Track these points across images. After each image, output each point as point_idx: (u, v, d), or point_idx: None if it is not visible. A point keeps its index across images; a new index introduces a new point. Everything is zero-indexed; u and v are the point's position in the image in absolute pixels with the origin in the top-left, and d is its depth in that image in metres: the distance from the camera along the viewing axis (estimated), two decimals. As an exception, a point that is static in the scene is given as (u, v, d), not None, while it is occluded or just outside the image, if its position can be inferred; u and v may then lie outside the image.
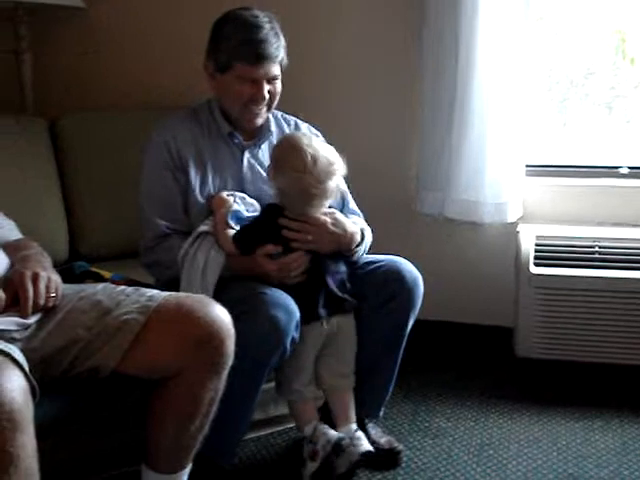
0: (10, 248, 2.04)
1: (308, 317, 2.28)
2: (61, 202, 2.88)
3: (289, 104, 2.52)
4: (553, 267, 2.93)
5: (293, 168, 2.26)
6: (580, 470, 2.48)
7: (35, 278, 1.89)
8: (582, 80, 3.44)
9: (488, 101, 2.94)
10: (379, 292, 2.37)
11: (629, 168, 3.14)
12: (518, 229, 3.04)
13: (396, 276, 2.37)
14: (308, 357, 2.38)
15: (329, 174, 2.27)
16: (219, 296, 2.04)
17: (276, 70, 2.34)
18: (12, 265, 1.97)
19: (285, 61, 2.37)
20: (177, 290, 2.15)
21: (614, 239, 2.96)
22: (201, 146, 2.41)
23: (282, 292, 2.24)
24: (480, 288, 3.19)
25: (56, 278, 1.96)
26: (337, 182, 2.31)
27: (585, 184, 3.13)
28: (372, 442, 2.48)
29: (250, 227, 2.31)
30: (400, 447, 2.54)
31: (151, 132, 2.42)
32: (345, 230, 2.35)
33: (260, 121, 2.42)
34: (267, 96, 2.35)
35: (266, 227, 2.30)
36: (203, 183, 2.39)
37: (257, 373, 2.19)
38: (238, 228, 2.32)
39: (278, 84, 2.37)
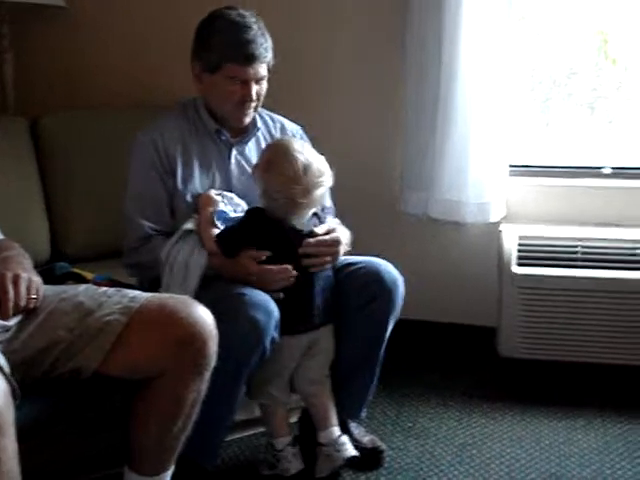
0: (-10, 249, 2.02)
1: (289, 329, 2.27)
2: (42, 202, 2.86)
3: (276, 104, 2.53)
4: (536, 267, 2.94)
5: (283, 174, 2.24)
6: (563, 469, 2.49)
7: (16, 280, 1.88)
8: (565, 80, 3.45)
9: (471, 101, 2.94)
10: (359, 294, 2.37)
11: (612, 168, 3.16)
12: (501, 229, 3.04)
13: (375, 277, 2.37)
14: (286, 365, 2.38)
15: (317, 185, 2.26)
16: (199, 296, 2.03)
17: (264, 71, 2.36)
18: (-7, 266, 1.96)
19: (272, 62, 2.38)
20: (159, 290, 2.14)
21: (597, 239, 2.97)
22: (188, 143, 2.41)
23: (261, 292, 2.24)
24: (463, 288, 3.20)
25: (37, 279, 1.95)
26: (323, 192, 2.30)
27: (568, 184, 3.14)
28: (355, 441, 2.49)
29: (235, 229, 2.30)
30: (383, 447, 2.55)
31: (137, 132, 2.42)
32: (346, 243, 2.39)
33: (248, 120, 2.44)
34: (255, 97, 2.36)
35: (251, 231, 2.28)
36: (190, 181, 2.39)
37: (237, 373, 2.19)
38: (222, 228, 2.31)
39: (265, 84, 2.39)
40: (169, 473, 2.04)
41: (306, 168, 2.24)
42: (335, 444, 2.37)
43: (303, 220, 2.31)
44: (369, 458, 2.50)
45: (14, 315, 1.87)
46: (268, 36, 2.36)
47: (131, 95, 3.20)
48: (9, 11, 3.20)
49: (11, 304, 1.84)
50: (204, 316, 1.91)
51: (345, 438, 2.40)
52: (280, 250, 2.27)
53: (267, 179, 2.28)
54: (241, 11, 2.36)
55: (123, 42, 3.28)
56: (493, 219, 3.02)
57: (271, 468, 2.41)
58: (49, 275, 2.23)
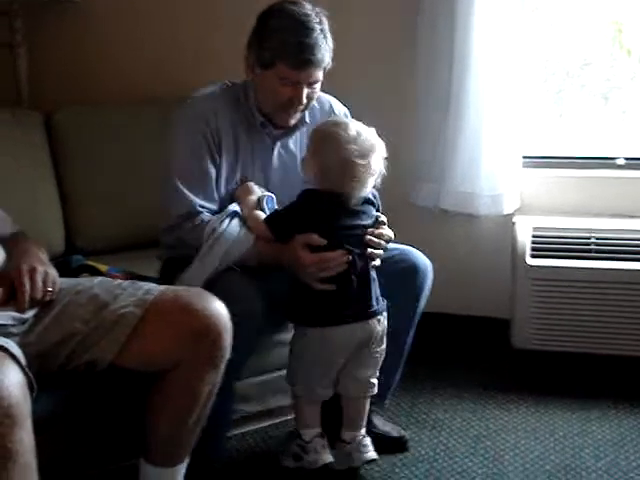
0: (6, 242, 2.04)
1: (338, 318, 2.20)
2: (57, 196, 2.88)
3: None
4: (550, 258, 2.93)
5: (336, 138, 2.15)
6: (577, 461, 2.49)
7: (32, 272, 1.89)
8: (578, 71, 3.43)
9: (484, 92, 2.93)
10: (391, 280, 2.31)
11: (625, 159, 3.14)
12: (514, 221, 3.04)
13: (409, 264, 2.38)
14: (335, 360, 2.26)
15: (372, 147, 2.17)
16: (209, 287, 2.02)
17: (319, 75, 2.26)
18: (9, 259, 1.97)
19: (329, 65, 2.27)
20: (176, 270, 2.14)
21: (610, 230, 2.96)
22: (238, 133, 2.33)
23: (251, 284, 2.18)
24: (477, 280, 3.19)
25: (53, 272, 1.96)
26: (380, 163, 2.20)
27: (582, 175, 3.13)
28: (379, 431, 2.52)
29: (289, 211, 2.20)
30: (407, 434, 2.58)
31: (186, 102, 2.34)
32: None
33: (293, 122, 2.35)
34: (305, 101, 2.27)
35: (306, 213, 2.18)
36: (232, 169, 2.34)
37: (230, 367, 2.13)
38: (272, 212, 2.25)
39: (318, 87, 2.30)
40: (184, 465, 2.05)
41: (359, 132, 2.17)
42: (359, 445, 2.33)
43: (362, 194, 2.20)
44: (395, 446, 2.54)
45: (30, 308, 1.88)
46: (330, 38, 2.24)
47: (144, 89, 3.20)
48: (22, 6, 3.21)
49: (27, 297, 1.86)
50: (219, 308, 1.92)
51: (368, 440, 2.36)
52: (335, 234, 2.18)
53: (320, 149, 2.17)
54: (305, 8, 2.23)
55: (136, 36, 3.28)
56: (507, 211, 3.01)
57: (296, 460, 2.32)
58: (64, 268, 2.24)
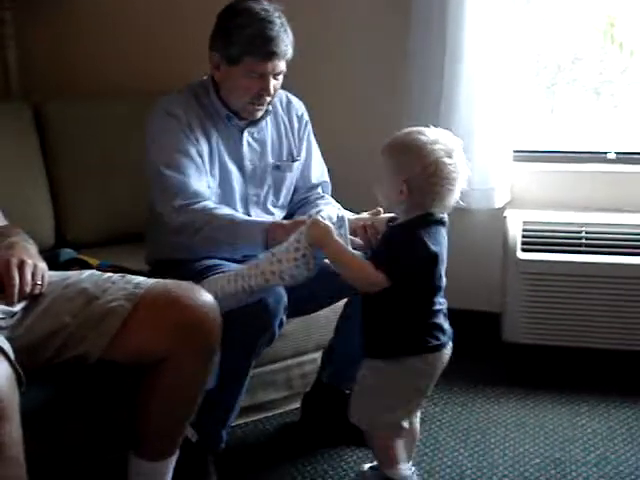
0: (-4, 235, 2.03)
1: (428, 346, 2.05)
2: (47, 188, 2.87)
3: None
4: (540, 252, 2.94)
5: (418, 144, 1.95)
6: (567, 454, 2.50)
7: (21, 265, 1.88)
8: (570, 65, 3.43)
9: (475, 86, 2.94)
10: None
11: (616, 153, 3.14)
12: (505, 214, 3.04)
13: None
14: (425, 391, 2.13)
15: (455, 146, 1.99)
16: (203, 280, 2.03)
17: (283, 66, 2.35)
18: (-2, 252, 1.96)
19: (291, 57, 2.36)
20: (167, 273, 2.13)
21: (601, 224, 2.97)
22: (206, 125, 2.40)
23: None
24: (467, 273, 3.19)
25: (42, 265, 1.95)
26: (465, 165, 2.03)
27: (572, 169, 3.13)
28: None
29: (400, 254, 1.97)
30: None
31: (155, 109, 2.38)
32: None
33: (260, 114, 2.43)
34: (272, 92, 2.36)
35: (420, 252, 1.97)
36: (210, 162, 2.38)
37: (245, 357, 2.20)
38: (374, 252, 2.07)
39: (281, 78, 2.38)
40: (174, 458, 2.05)
41: (437, 133, 1.99)
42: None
43: (453, 202, 2.03)
44: None
45: (19, 301, 1.87)
46: (290, 31, 2.33)
47: (133, 82, 3.19)
48: (12, -2, 3.20)
49: (16, 290, 1.85)
50: (209, 302, 1.92)
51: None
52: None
53: (403, 161, 1.96)
54: (265, 4, 2.34)
55: (125, 29, 3.27)
56: (497, 205, 3.02)
57: None
58: (54, 261, 2.23)
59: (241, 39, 2.29)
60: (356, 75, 3.17)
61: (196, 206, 2.29)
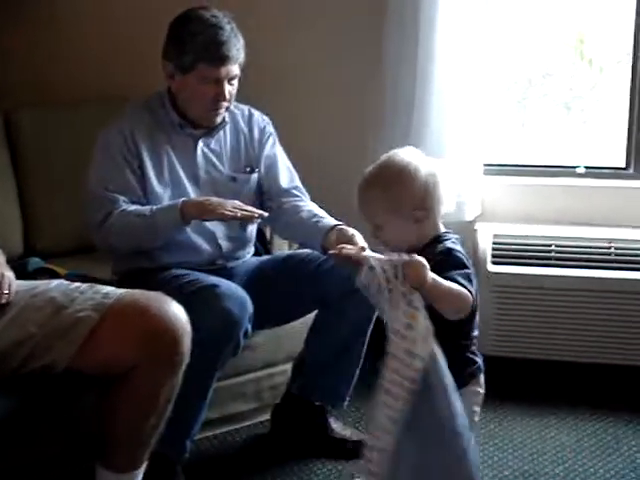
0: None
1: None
2: (16, 197, 2.84)
3: (249, 97, 2.55)
4: (510, 265, 2.95)
5: (422, 170, 1.89)
6: (535, 467, 2.51)
7: (-12, 275, 1.87)
8: (541, 80, 3.47)
9: (447, 100, 2.95)
10: (346, 281, 2.33)
11: (586, 168, 3.18)
12: (476, 227, 3.06)
13: None
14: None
15: (436, 166, 1.95)
16: (170, 291, 2.02)
17: (236, 70, 2.38)
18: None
19: (243, 61, 2.39)
20: (135, 284, 2.12)
21: (571, 238, 3.00)
22: (155, 136, 2.43)
23: (235, 285, 2.26)
24: (438, 286, 3.20)
25: (9, 274, 1.93)
26: None
27: (543, 183, 3.16)
28: (337, 435, 2.55)
29: (467, 269, 1.86)
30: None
31: (103, 128, 2.44)
32: None
33: (219, 119, 2.46)
34: (228, 96, 2.39)
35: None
36: (159, 173, 2.41)
37: (210, 367, 2.20)
38: None
39: (236, 83, 2.41)
40: (141, 470, 2.03)
41: (417, 155, 1.93)
42: None
43: None
44: (354, 450, 2.49)
45: (-14, 310, 1.85)
46: (240, 36, 2.38)
47: (105, 90, 3.17)
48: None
49: (-17, 299, 1.83)
50: (178, 312, 1.91)
51: None
52: None
53: (395, 191, 1.87)
54: (214, 11, 2.38)
55: (98, 37, 3.24)
56: (468, 217, 3.02)
57: None
58: (22, 270, 2.22)
59: (193, 46, 2.32)
60: (330, 90, 3.18)
61: (112, 217, 2.33)
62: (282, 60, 3.14)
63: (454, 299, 1.77)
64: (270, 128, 2.61)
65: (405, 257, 1.72)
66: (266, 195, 2.58)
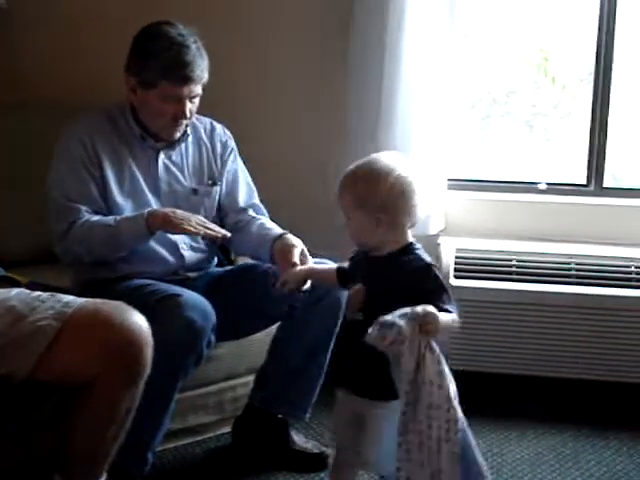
0: None
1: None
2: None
3: (211, 107, 2.55)
4: (472, 279, 2.98)
5: (394, 173, 1.95)
6: (496, 479, 2.52)
7: (-53, 283, 1.85)
8: (504, 98, 3.51)
9: (411, 116, 2.98)
10: (312, 290, 2.34)
11: (547, 184, 3.22)
12: (439, 241, 3.08)
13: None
14: None
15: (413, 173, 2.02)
16: (132, 301, 2.01)
17: (199, 89, 2.39)
18: None
19: (207, 80, 2.40)
20: (96, 294, 2.11)
21: (532, 253, 3.03)
22: (116, 147, 2.42)
23: (197, 295, 2.25)
24: (401, 299, 3.21)
25: (-31, 283, 1.91)
26: None
27: (505, 199, 3.19)
28: (298, 448, 2.55)
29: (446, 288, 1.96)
30: (328, 451, 2.56)
31: (64, 129, 2.43)
32: None
33: (178, 135, 2.47)
34: (188, 114, 2.39)
35: None
36: (120, 184, 2.41)
37: (173, 377, 2.19)
38: None
39: (197, 101, 2.42)
40: (101, 481, 2.02)
41: (393, 160, 2.00)
42: None
43: None
44: (315, 463, 2.54)
45: (-56, 319, 1.83)
46: (205, 55, 2.38)
47: (67, 98, 3.13)
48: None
49: (-59, 307, 1.81)
50: (140, 322, 1.90)
51: None
52: None
53: (366, 194, 1.95)
54: (180, 29, 2.37)
55: (62, 45, 3.20)
56: (431, 231, 3.04)
57: None
58: (-19, 279, 2.18)
59: (157, 64, 2.32)
60: (296, 103, 3.19)
61: (75, 225, 2.33)
62: (242, 70, 3.14)
63: (449, 330, 1.88)
64: (232, 143, 2.62)
65: (418, 310, 1.78)
66: (223, 212, 2.60)
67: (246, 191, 2.63)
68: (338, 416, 2.07)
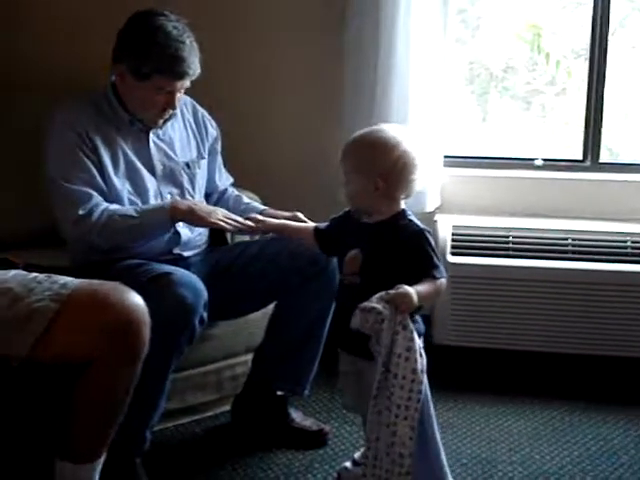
0: None
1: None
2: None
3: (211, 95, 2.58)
4: (469, 256, 2.99)
5: (401, 147, 2.05)
6: (493, 454, 2.55)
7: (-57, 266, 1.85)
8: (502, 74, 3.50)
9: (408, 93, 2.97)
10: (309, 266, 2.44)
11: (543, 160, 3.22)
12: (435, 219, 3.08)
13: (325, 258, 2.42)
14: None
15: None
16: (125, 281, 2.01)
17: (189, 82, 2.41)
18: None
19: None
20: (91, 276, 2.12)
21: (528, 229, 3.03)
22: (106, 131, 2.42)
23: (189, 272, 2.28)
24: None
25: (-34, 266, 1.92)
26: None
27: (501, 175, 3.19)
28: (298, 425, 2.58)
29: (436, 255, 2.09)
30: (327, 428, 2.61)
31: (51, 115, 2.41)
32: None
33: (161, 122, 2.48)
34: (176, 104, 2.43)
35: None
36: (116, 167, 2.41)
37: (166, 355, 2.19)
38: None
39: (183, 91, 2.44)
40: (101, 461, 2.02)
41: (397, 130, 2.12)
42: None
43: None
44: (314, 440, 2.57)
45: (-59, 301, 1.83)
46: (197, 50, 2.39)
47: (52, 82, 3.11)
48: None
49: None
50: (137, 302, 1.91)
51: None
52: None
53: (373, 159, 2.05)
54: (175, 22, 2.37)
55: (47, 29, 3.17)
56: (428, 209, 3.04)
57: None
58: (-22, 262, 2.19)
59: (153, 57, 2.33)
60: (292, 84, 3.18)
61: (94, 213, 2.32)
62: (240, 54, 3.13)
63: (434, 297, 2.07)
64: (212, 127, 2.65)
65: (392, 292, 1.94)
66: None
67: (225, 175, 2.73)
68: (342, 374, 2.19)
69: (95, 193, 2.35)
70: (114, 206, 2.36)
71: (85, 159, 2.36)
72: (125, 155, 2.43)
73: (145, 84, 2.36)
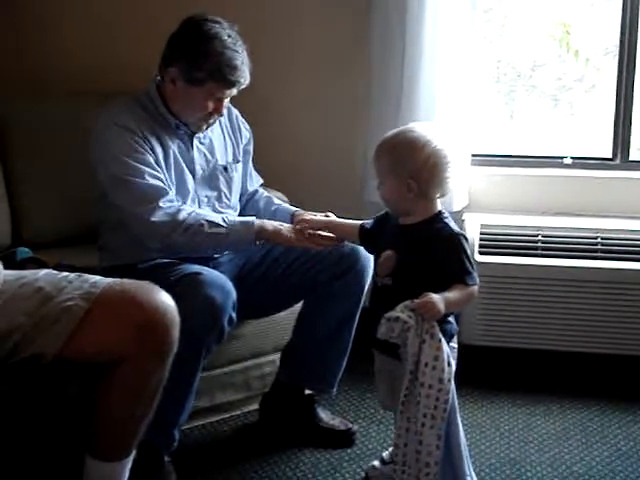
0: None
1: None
2: (4, 186, 2.82)
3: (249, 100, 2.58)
4: (497, 255, 2.97)
5: (431, 145, 2.05)
6: (522, 455, 2.53)
7: (-25, 265, 1.87)
8: (529, 72, 3.48)
9: (435, 92, 2.96)
10: (336, 265, 2.45)
11: (572, 158, 3.20)
12: (463, 218, 3.07)
13: (351, 249, 2.45)
14: None
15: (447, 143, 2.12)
16: (153, 280, 2.00)
17: (237, 90, 2.42)
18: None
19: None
20: (122, 275, 2.13)
21: (557, 228, 3.02)
22: (158, 133, 2.41)
23: (217, 272, 2.28)
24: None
25: (-3, 264, 1.93)
26: None
27: (529, 174, 3.18)
28: (325, 425, 2.58)
29: (469, 259, 2.09)
30: (354, 428, 2.61)
31: (102, 117, 2.40)
32: None
33: (205, 128, 2.48)
34: (223, 111, 2.44)
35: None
36: (168, 170, 2.41)
37: (195, 355, 2.20)
38: None
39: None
40: (130, 459, 2.04)
41: (427, 130, 2.11)
42: None
43: None
44: (342, 439, 2.57)
45: (-27, 300, 1.85)
46: (248, 59, 2.40)
47: (90, 82, 3.15)
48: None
49: (-30, 289, 1.83)
50: (166, 302, 1.91)
51: None
52: None
53: (404, 159, 2.06)
54: (227, 29, 2.38)
55: (88, 35, 3.23)
56: (456, 208, 3.03)
57: None
58: (10, 260, 2.21)
59: (209, 66, 2.33)
60: (316, 85, 3.19)
61: (181, 213, 2.30)
62: (268, 52, 3.14)
63: (465, 303, 2.07)
64: (246, 129, 2.66)
65: (417, 301, 1.95)
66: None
67: (255, 177, 2.73)
68: (377, 372, 2.23)
69: (164, 186, 2.34)
70: (200, 210, 2.39)
71: (149, 157, 2.35)
72: (175, 157, 2.43)
73: (197, 89, 2.36)
